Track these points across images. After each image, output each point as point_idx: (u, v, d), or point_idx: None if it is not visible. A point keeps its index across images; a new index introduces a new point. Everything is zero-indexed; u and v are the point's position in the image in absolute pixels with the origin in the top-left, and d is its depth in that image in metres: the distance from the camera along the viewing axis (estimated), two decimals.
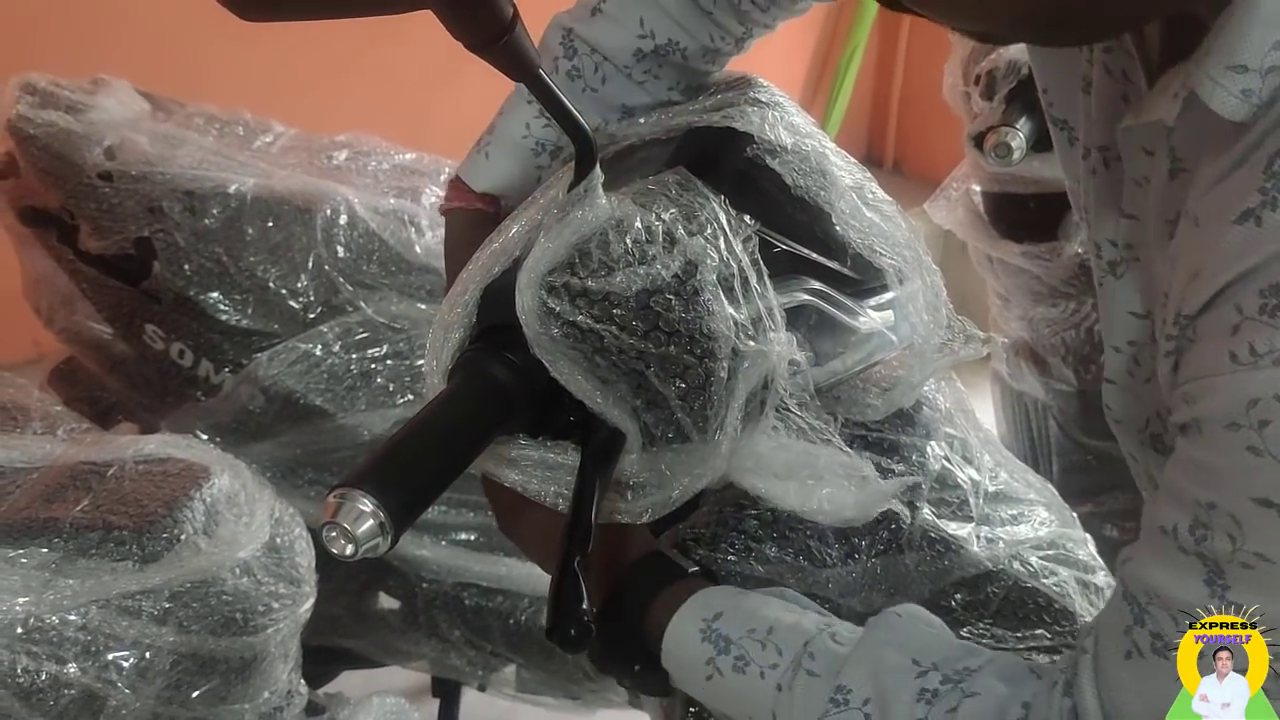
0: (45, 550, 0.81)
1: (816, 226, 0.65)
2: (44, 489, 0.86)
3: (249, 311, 1.21)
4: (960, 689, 0.58)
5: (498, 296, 0.61)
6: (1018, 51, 1.19)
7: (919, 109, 3.05)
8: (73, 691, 0.80)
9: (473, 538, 1.28)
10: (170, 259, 1.20)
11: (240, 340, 1.21)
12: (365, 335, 1.21)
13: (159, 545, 0.83)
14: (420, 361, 1.22)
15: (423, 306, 1.22)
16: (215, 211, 1.20)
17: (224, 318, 1.20)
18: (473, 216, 0.77)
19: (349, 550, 0.54)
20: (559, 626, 0.59)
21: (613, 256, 0.57)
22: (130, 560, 0.82)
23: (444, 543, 1.27)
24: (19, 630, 0.79)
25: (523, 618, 1.30)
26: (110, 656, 0.81)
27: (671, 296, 0.57)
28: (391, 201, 1.27)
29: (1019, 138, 1.14)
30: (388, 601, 1.37)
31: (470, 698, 1.61)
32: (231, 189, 1.21)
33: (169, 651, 0.82)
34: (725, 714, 0.67)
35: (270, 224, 1.21)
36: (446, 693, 1.50)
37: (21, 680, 0.79)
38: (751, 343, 0.58)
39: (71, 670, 0.80)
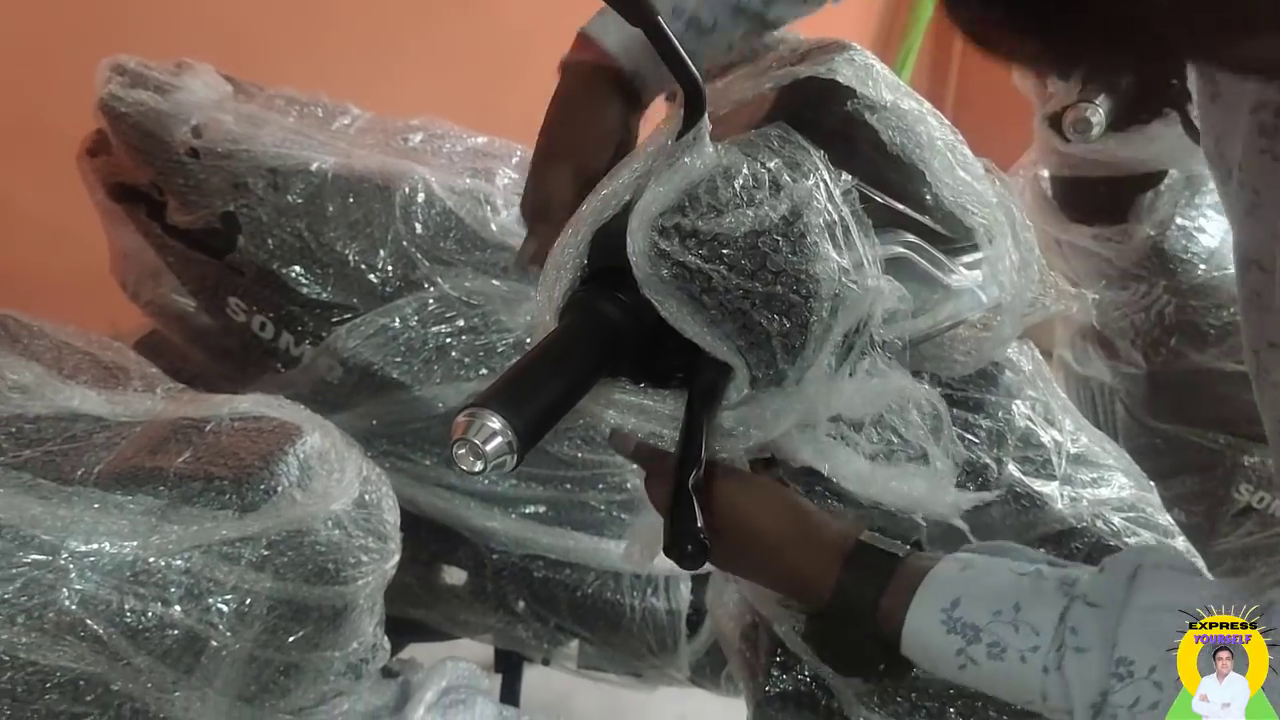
0: (151, 497, 0.85)
1: (910, 183, 0.67)
2: (147, 441, 0.89)
3: (329, 286, 1.24)
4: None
5: (609, 239, 0.63)
6: None
7: (975, 110, 3.05)
8: (176, 632, 0.83)
9: (542, 511, 1.30)
10: (254, 233, 1.23)
11: (320, 313, 1.25)
12: (441, 310, 1.24)
13: (257, 496, 0.86)
14: (495, 336, 1.25)
15: (497, 283, 1.25)
16: (298, 188, 1.24)
17: (305, 291, 1.24)
18: (592, 71, 0.75)
19: (478, 466, 0.57)
20: (677, 544, 0.61)
21: (721, 200, 0.59)
22: (230, 509, 0.85)
23: (514, 515, 1.30)
24: (127, 572, 0.82)
25: (589, 590, 1.32)
26: (211, 600, 0.84)
27: (779, 238, 0.59)
28: (467, 181, 1.30)
29: (1099, 113, 1.15)
30: (454, 578, 1.40)
31: (531, 676, 1.64)
32: (313, 167, 1.25)
33: (266, 597, 0.85)
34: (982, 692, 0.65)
35: (350, 201, 1.24)
36: (509, 668, 1.53)
37: (129, 620, 0.82)
38: (853, 285, 0.60)
39: (176, 612, 0.83)
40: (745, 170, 0.59)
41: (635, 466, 1.31)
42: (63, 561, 0.81)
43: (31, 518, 0.81)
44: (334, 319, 1.24)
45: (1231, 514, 1.29)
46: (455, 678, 1.15)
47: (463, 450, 0.58)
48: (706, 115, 0.59)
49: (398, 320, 1.23)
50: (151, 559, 0.83)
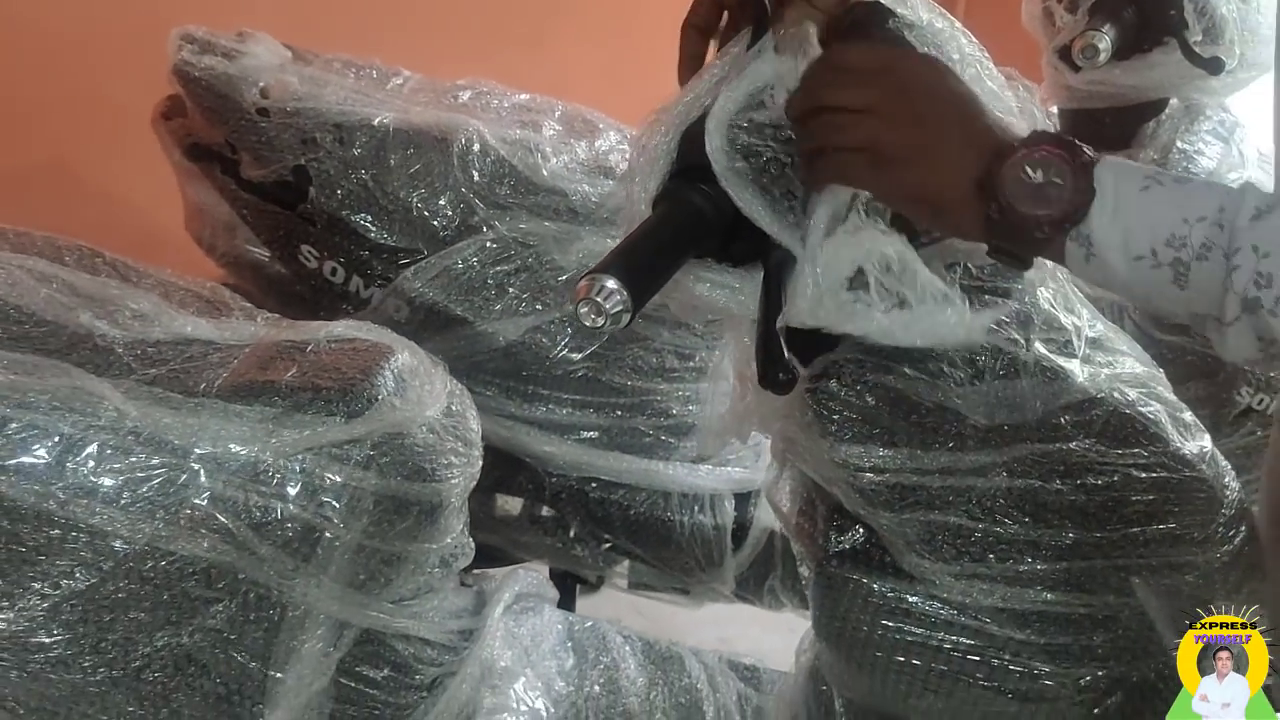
0: (266, 407, 0.95)
1: None
2: (257, 360, 0.99)
3: (395, 231, 1.34)
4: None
5: (694, 140, 0.73)
6: None
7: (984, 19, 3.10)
8: (294, 525, 0.93)
9: (595, 436, 1.40)
10: (324, 185, 1.33)
11: (387, 257, 1.35)
12: (499, 251, 1.34)
13: (360, 404, 0.96)
14: (549, 274, 1.35)
15: (550, 225, 1.35)
16: (362, 141, 1.34)
17: (372, 237, 1.34)
18: None
19: (600, 322, 0.68)
20: (768, 376, 0.71)
21: (778, 100, 0.69)
22: (338, 416, 0.95)
23: (570, 440, 1.40)
24: (249, 473, 0.92)
25: (641, 509, 1.42)
26: (324, 496, 0.94)
27: None
28: (517, 132, 1.40)
29: (1105, 39, 1.24)
30: (512, 507, 1.50)
31: (580, 607, 1.74)
32: (375, 122, 1.34)
33: (372, 493, 0.95)
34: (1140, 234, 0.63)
35: (411, 152, 1.34)
36: (563, 590, 1.63)
37: (254, 514, 0.92)
38: None
39: (293, 507, 0.93)
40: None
41: (681, 393, 1.41)
42: (193, 463, 0.91)
43: (165, 425, 0.91)
44: (400, 262, 1.34)
45: (1234, 415, 1.39)
46: (526, 585, 1.26)
47: (585, 309, 0.68)
48: (772, 29, 0.69)
49: (459, 262, 1.33)
50: (270, 460, 0.93)
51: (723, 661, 1.32)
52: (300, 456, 0.94)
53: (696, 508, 1.43)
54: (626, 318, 0.69)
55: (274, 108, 1.35)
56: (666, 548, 1.44)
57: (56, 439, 0.89)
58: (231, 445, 0.92)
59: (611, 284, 0.67)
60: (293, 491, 0.93)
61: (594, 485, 1.42)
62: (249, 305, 1.12)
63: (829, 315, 0.71)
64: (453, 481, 1.00)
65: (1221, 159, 1.35)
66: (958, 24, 0.78)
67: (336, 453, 0.95)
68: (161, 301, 1.05)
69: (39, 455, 0.88)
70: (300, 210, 1.34)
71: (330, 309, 1.38)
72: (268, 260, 1.41)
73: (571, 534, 1.46)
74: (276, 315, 1.10)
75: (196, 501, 0.91)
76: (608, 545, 1.50)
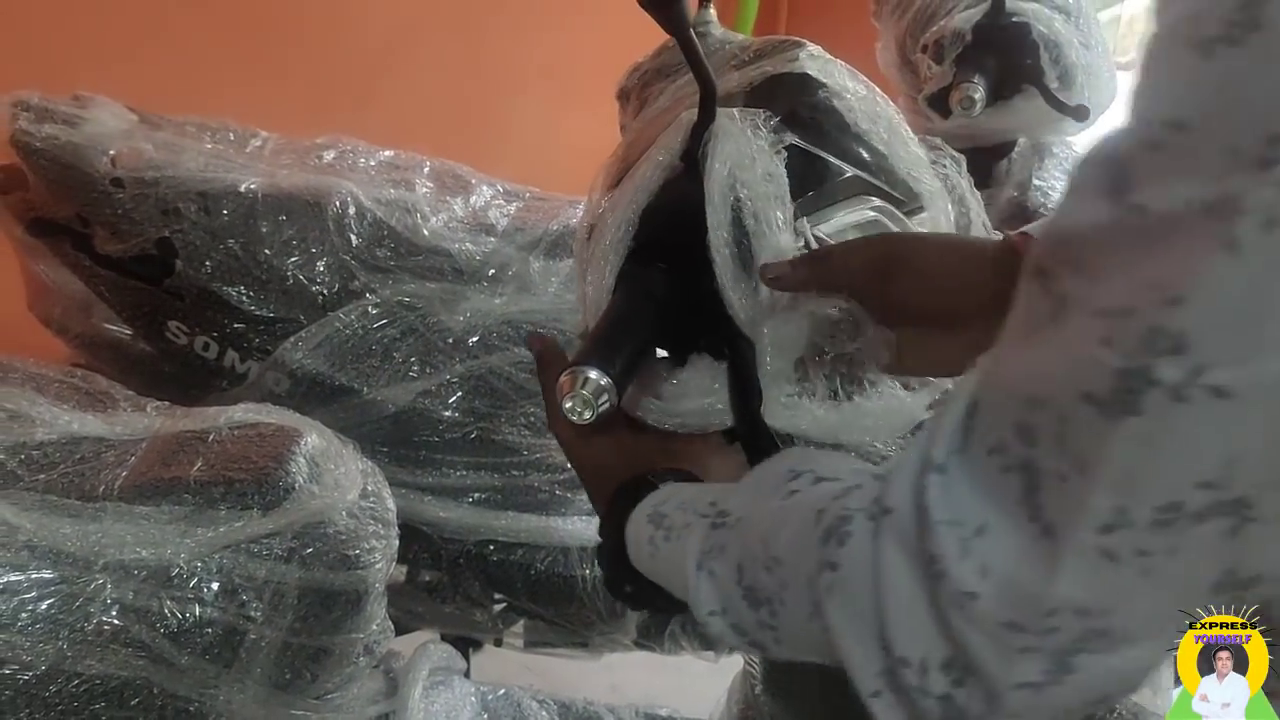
0: (176, 505, 0.89)
1: (871, 157, 0.79)
2: (158, 455, 0.93)
3: (270, 301, 1.28)
4: (817, 477, 0.59)
5: (651, 218, 0.73)
6: (961, 21, 1.37)
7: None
8: (215, 629, 0.88)
9: (491, 496, 1.38)
10: (191, 257, 1.26)
11: (264, 329, 1.29)
12: (382, 315, 1.30)
13: (277, 494, 0.91)
14: (435, 336, 1.32)
15: (433, 285, 1.32)
16: (229, 209, 1.28)
17: (247, 309, 1.28)
18: None
19: (587, 414, 0.66)
20: (750, 428, 0.71)
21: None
22: (254, 509, 0.90)
23: (466, 503, 1.37)
24: (163, 578, 0.87)
25: (542, 567, 1.40)
26: (246, 595, 0.89)
27: None
28: (391, 192, 1.37)
29: (980, 90, 1.32)
30: (406, 575, 1.45)
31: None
32: (242, 188, 1.29)
33: (296, 586, 0.91)
34: (675, 591, 0.67)
35: (282, 218, 1.29)
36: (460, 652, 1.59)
37: (170, 622, 0.86)
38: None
39: (212, 610, 0.88)
40: None
41: None
42: (98, 574, 0.85)
43: (63, 535, 0.85)
44: (278, 333, 1.29)
45: None
46: (437, 660, 1.22)
47: (570, 403, 0.67)
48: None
49: (342, 329, 1.29)
50: (184, 563, 0.87)
51: (640, 715, 1.31)
52: (216, 556, 0.88)
53: (597, 561, 1.42)
54: (612, 405, 0.68)
55: (129, 177, 1.27)
56: (570, 604, 1.42)
57: None
58: (140, 550, 0.86)
59: (594, 374, 0.67)
60: (211, 594, 0.88)
61: (492, 547, 1.39)
62: (132, 393, 1.05)
63: (777, 416, 0.71)
64: (376, 567, 0.97)
65: None
66: (876, 89, 0.81)
67: (255, 548, 0.90)
68: (37, 397, 0.97)
69: None
70: (166, 285, 1.27)
71: (203, 386, 1.31)
72: (129, 339, 1.33)
73: (469, 598, 1.43)
74: (165, 403, 1.03)
75: (104, 616, 0.84)
76: (503, 606, 1.48)
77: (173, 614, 0.86)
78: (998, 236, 0.75)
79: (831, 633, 0.51)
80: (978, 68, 1.34)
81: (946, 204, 0.83)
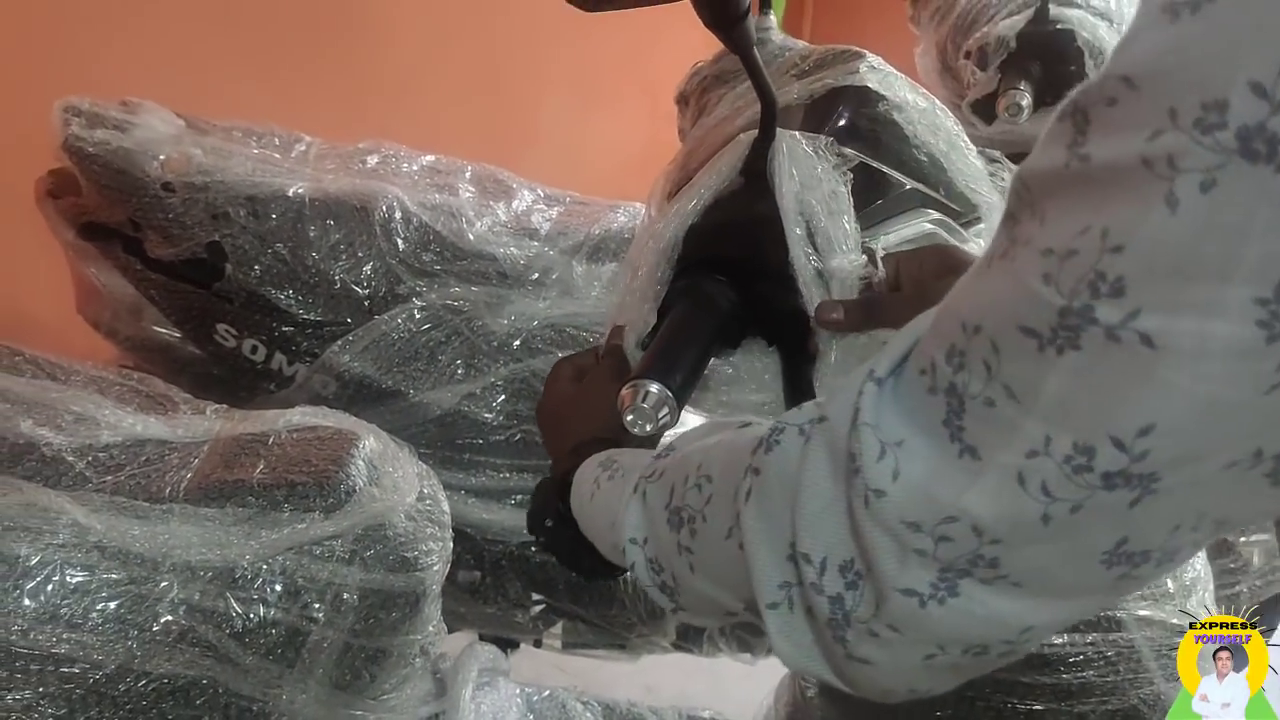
0: (240, 508, 0.90)
1: (930, 169, 0.80)
2: (220, 458, 0.94)
3: (318, 305, 1.30)
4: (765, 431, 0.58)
5: (704, 234, 0.74)
6: (1005, 28, 1.37)
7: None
8: (278, 630, 0.89)
9: (529, 498, 1.38)
10: (240, 261, 1.28)
11: (311, 332, 1.30)
12: (429, 319, 1.31)
13: (338, 497, 0.92)
14: (480, 339, 1.33)
15: (478, 289, 1.33)
16: (277, 214, 1.29)
17: (295, 312, 1.29)
18: None
19: (648, 427, 0.68)
20: None
21: None
22: (316, 511, 0.91)
23: (509, 505, 1.38)
24: (228, 579, 0.88)
25: None
26: (308, 596, 0.90)
27: None
28: (436, 197, 1.38)
29: (1027, 97, 1.32)
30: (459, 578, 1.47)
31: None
32: (290, 192, 1.30)
33: (357, 588, 0.92)
34: (600, 537, 0.71)
35: (330, 223, 1.30)
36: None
37: (235, 623, 0.88)
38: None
39: (276, 611, 0.89)
40: None
41: None
42: (166, 575, 0.86)
43: (132, 537, 0.86)
44: (325, 336, 1.30)
45: None
46: (483, 660, 1.23)
47: (631, 417, 0.68)
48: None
49: (388, 331, 1.30)
50: (248, 564, 0.88)
51: (683, 718, 1.32)
52: (280, 557, 0.90)
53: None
54: (673, 419, 0.69)
55: (179, 182, 1.28)
56: (610, 606, 1.43)
57: (11, 563, 0.82)
58: (206, 552, 0.87)
59: (655, 389, 0.68)
60: (274, 595, 0.89)
61: (534, 549, 1.40)
62: (189, 396, 1.06)
63: None
64: (434, 568, 0.98)
65: None
66: (936, 101, 0.82)
67: (318, 550, 0.91)
68: (101, 399, 0.98)
69: None
70: (216, 288, 1.28)
71: (251, 389, 1.32)
72: (178, 341, 1.34)
73: (510, 600, 1.44)
74: (223, 406, 1.05)
75: (171, 616, 0.86)
76: (542, 607, 1.49)
77: (238, 614, 0.88)
78: None
79: (745, 542, 0.53)
80: (1023, 74, 1.34)
81: (998, 216, 0.84)
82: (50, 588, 0.83)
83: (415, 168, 1.47)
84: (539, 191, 1.50)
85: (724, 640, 1.53)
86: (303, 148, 1.45)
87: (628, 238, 1.41)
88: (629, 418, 0.69)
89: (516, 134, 2.66)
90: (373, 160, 1.46)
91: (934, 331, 0.46)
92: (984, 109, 1.37)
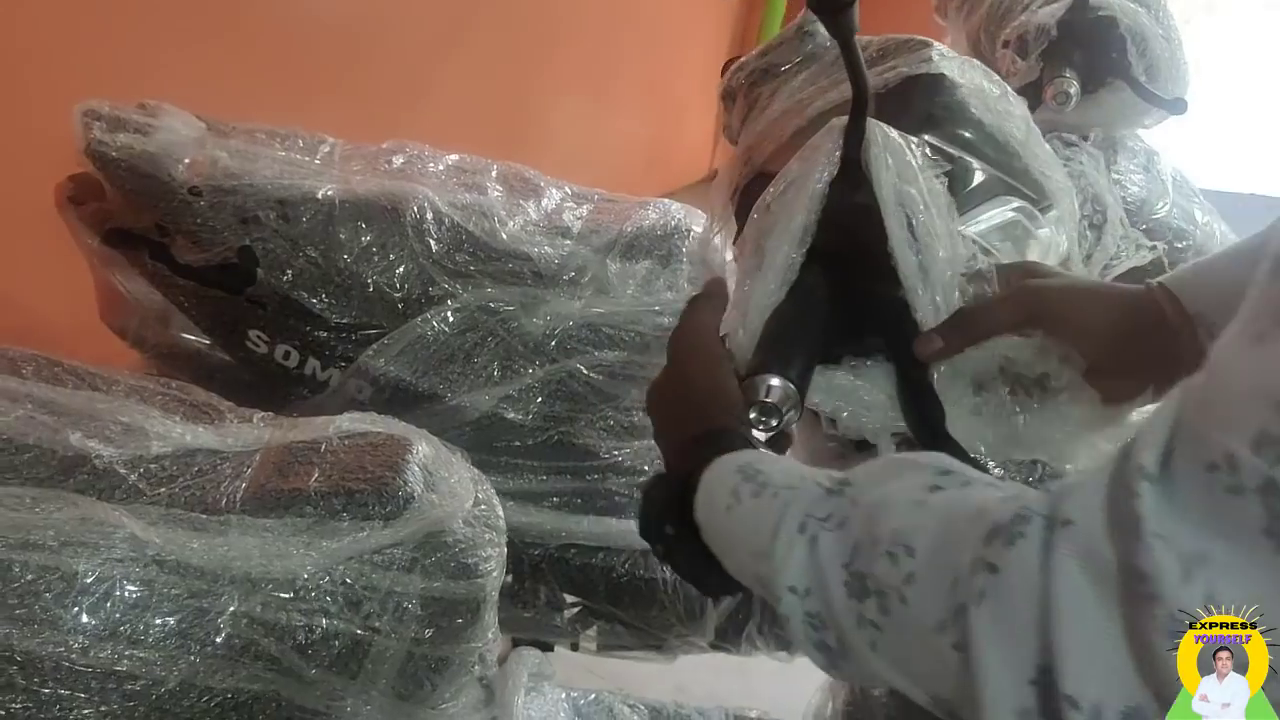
0: (298, 518, 0.88)
1: (1004, 156, 0.78)
2: (273, 466, 0.92)
3: (352, 309, 1.27)
4: (966, 480, 0.53)
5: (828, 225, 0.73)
6: (1045, 15, 1.36)
7: None
8: (341, 641, 0.87)
9: (571, 500, 1.37)
10: (272, 265, 1.25)
11: (345, 336, 1.28)
12: (463, 320, 1.29)
13: (397, 504, 0.90)
14: (516, 340, 1.31)
15: (513, 289, 1.31)
16: (308, 217, 1.27)
17: (328, 316, 1.27)
18: None
19: (774, 421, 0.66)
20: (931, 438, 0.70)
21: None
22: (375, 519, 0.89)
23: (546, 508, 1.36)
24: (289, 591, 0.86)
25: (623, 570, 1.39)
26: (370, 606, 0.88)
27: None
28: (466, 196, 1.36)
29: (1074, 85, 1.31)
30: None
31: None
32: (320, 195, 1.28)
33: (418, 597, 0.90)
34: (735, 559, 0.63)
35: (362, 225, 1.28)
36: None
37: (297, 635, 0.86)
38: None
39: (338, 622, 0.87)
40: None
41: (653, 449, 1.40)
42: (226, 587, 0.84)
43: (191, 550, 0.84)
44: (360, 340, 1.28)
45: None
46: (531, 664, 1.22)
47: (755, 413, 0.66)
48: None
49: (423, 334, 1.28)
50: (309, 575, 0.86)
51: (730, 717, 1.31)
52: (340, 567, 0.88)
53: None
54: (796, 414, 0.67)
55: (206, 186, 1.26)
56: (651, 608, 1.42)
57: (69, 580, 0.80)
58: (266, 564, 0.85)
59: (776, 382, 0.67)
60: (336, 605, 0.87)
61: (573, 551, 1.39)
62: (232, 405, 1.04)
63: (958, 428, 0.70)
64: (493, 575, 0.96)
65: (1147, 187, 1.44)
66: (1009, 88, 0.80)
67: (378, 559, 0.89)
68: (149, 409, 0.96)
69: (51, 601, 0.79)
70: (248, 294, 1.26)
71: (284, 395, 1.30)
72: (207, 348, 1.32)
73: (548, 603, 1.42)
74: (269, 413, 1.02)
75: (233, 629, 0.84)
76: (578, 609, 1.47)
77: (300, 626, 0.86)
78: (1148, 251, 0.75)
79: (972, 650, 0.45)
80: (1067, 62, 1.33)
81: (1073, 201, 0.83)
82: (109, 604, 0.81)
83: (441, 167, 1.45)
84: (567, 189, 1.48)
85: (762, 639, 1.51)
86: (327, 149, 1.43)
87: (660, 235, 1.40)
88: (753, 414, 0.67)
89: (524, 132, 2.65)
90: (398, 160, 1.44)
91: (1219, 416, 0.39)
92: (1027, 97, 1.35)
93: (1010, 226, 0.76)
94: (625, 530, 1.39)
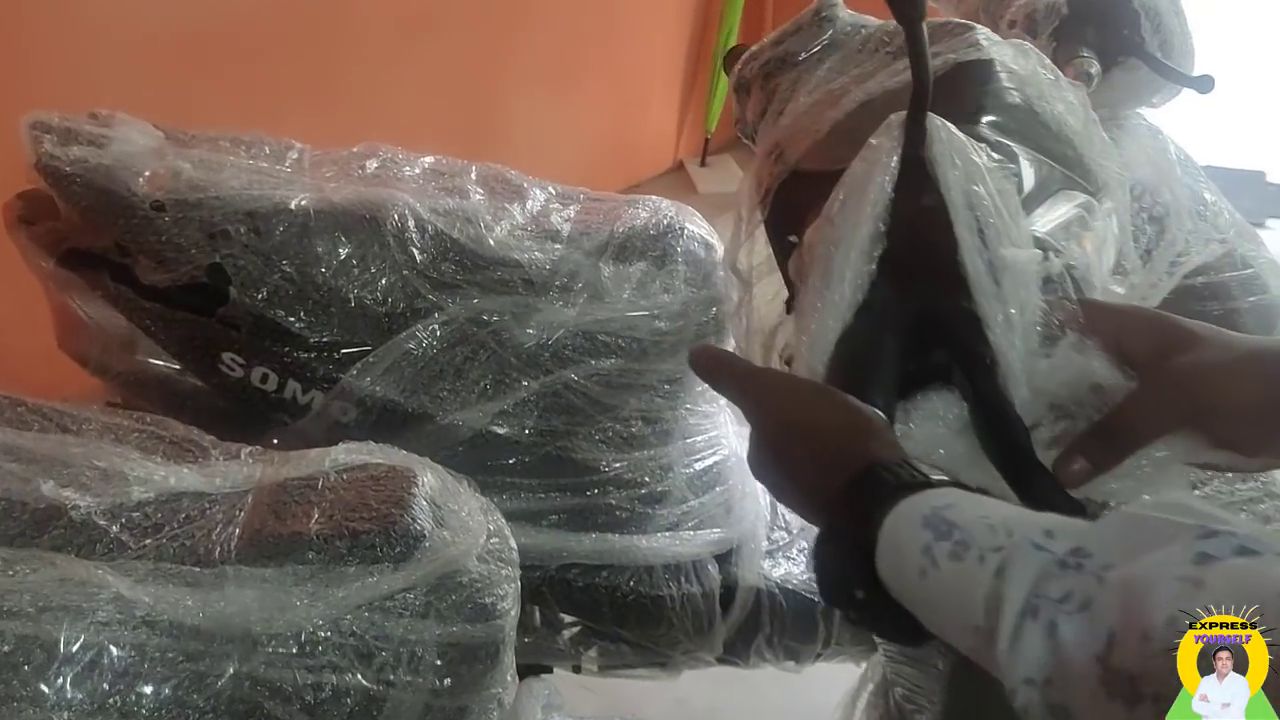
0: (300, 565, 0.81)
1: (1056, 144, 0.73)
2: (268, 508, 0.85)
3: (332, 326, 1.19)
4: (1240, 546, 0.47)
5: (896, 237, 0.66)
6: None
7: None
8: (353, 698, 0.80)
9: (571, 518, 1.30)
10: (245, 283, 1.17)
11: (327, 356, 1.20)
12: (453, 333, 1.21)
13: (407, 544, 0.83)
14: (509, 352, 1.24)
15: (503, 299, 1.24)
16: (281, 230, 1.18)
17: (307, 335, 1.19)
18: None
19: None
20: (1019, 471, 0.63)
21: None
22: (384, 562, 0.82)
23: (545, 527, 1.29)
24: (294, 647, 0.78)
25: (628, 588, 1.33)
26: (383, 658, 0.81)
27: None
28: (448, 201, 1.28)
29: (1095, 64, 1.26)
30: None
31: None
32: (292, 205, 1.19)
33: (434, 644, 0.83)
34: (943, 629, 0.55)
35: (339, 236, 1.20)
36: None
37: (306, 695, 0.78)
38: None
39: (349, 677, 0.80)
40: None
41: (652, 461, 1.33)
42: (225, 647, 0.76)
43: (185, 608, 0.76)
44: (342, 359, 1.20)
45: None
46: (542, 692, 1.15)
47: None
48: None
49: (410, 350, 1.20)
50: (316, 628, 0.79)
51: None
52: (349, 617, 0.80)
53: (683, 578, 1.36)
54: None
55: (170, 200, 1.17)
56: (658, 626, 1.35)
57: (50, 650, 0.72)
58: (269, 618, 0.78)
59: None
60: (346, 659, 0.80)
61: (575, 571, 1.32)
62: (215, 439, 0.96)
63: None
64: (511, 614, 0.89)
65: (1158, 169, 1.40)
66: (1060, 74, 0.75)
67: (390, 605, 0.82)
68: (127, 450, 0.88)
69: (31, 674, 0.72)
70: (220, 314, 1.17)
71: (263, 421, 1.21)
72: (177, 374, 1.23)
73: (549, 626, 1.35)
74: (258, 448, 0.94)
75: (235, 693, 0.76)
76: (579, 630, 1.40)
77: (307, 685, 0.78)
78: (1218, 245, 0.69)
79: None
80: (1082, 40, 1.28)
81: (1126, 193, 0.78)
82: (96, 674, 0.73)
83: (417, 171, 1.37)
84: (550, 189, 1.41)
85: (771, 651, 1.46)
86: (295, 155, 1.34)
87: (654, 235, 1.33)
88: None
89: (489, 128, 2.56)
90: (372, 165, 1.35)
91: None
92: None
93: (1077, 222, 0.70)
94: (629, 546, 1.32)
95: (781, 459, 0.65)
